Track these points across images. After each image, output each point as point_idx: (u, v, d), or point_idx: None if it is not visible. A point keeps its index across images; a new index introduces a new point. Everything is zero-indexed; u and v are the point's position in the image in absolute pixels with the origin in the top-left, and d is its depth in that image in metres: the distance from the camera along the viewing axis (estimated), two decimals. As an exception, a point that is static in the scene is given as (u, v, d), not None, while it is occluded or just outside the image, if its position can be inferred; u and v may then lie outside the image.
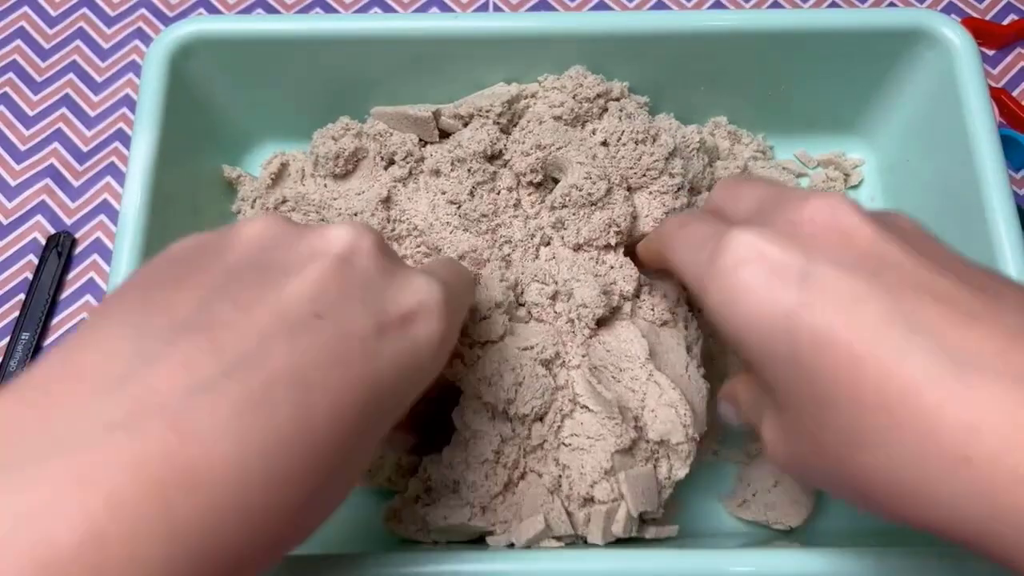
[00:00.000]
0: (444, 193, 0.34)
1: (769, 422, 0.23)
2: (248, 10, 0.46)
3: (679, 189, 0.34)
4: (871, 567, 0.26)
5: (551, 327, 0.31)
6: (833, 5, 0.45)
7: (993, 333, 0.18)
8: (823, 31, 0.35)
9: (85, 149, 0.43)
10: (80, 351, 0.18)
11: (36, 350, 0.39)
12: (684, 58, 0.36)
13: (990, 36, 0.44)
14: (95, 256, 0.41)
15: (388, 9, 0.46)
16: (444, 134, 0.36)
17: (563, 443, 0.30)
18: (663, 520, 0.31)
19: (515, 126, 0.35)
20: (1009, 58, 0.45)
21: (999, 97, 0.43)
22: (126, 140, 0.43)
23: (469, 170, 0.34)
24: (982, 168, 0.32)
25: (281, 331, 0.19)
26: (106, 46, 0.45)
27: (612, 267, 0.32)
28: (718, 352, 0.36)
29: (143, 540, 0.15)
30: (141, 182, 0.32)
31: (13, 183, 0.42)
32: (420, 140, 0.36)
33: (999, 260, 0.31)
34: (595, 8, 0.46)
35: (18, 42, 0.45)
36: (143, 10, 0.46)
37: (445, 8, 0.46)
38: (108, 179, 0.42)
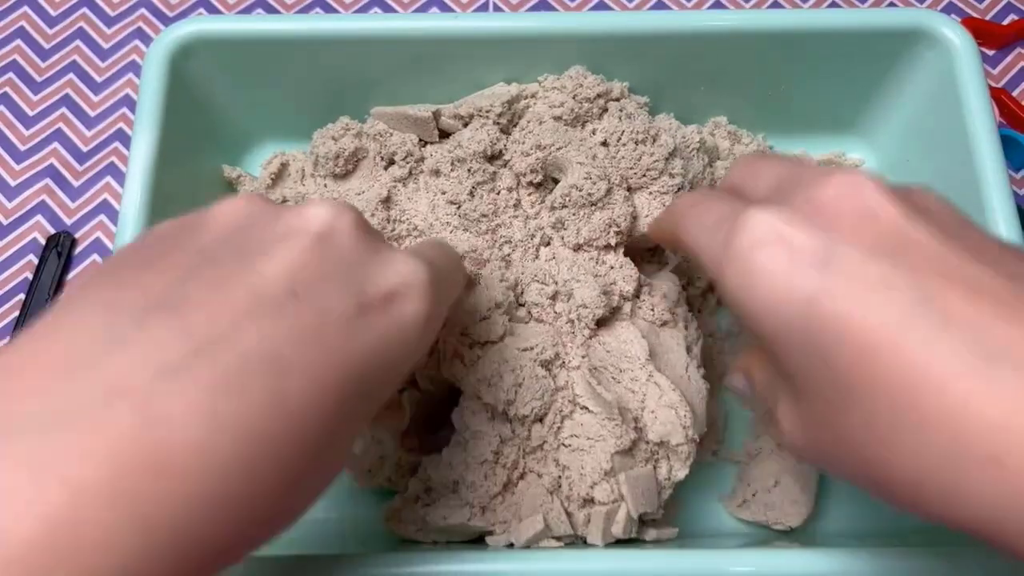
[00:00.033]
0: (444, 193, 0.34)
1: (786, 407, 0.23)
2: (248, 10, 0.46)
3: (679, 189, 0.34)
4: (871, 567, 0.26)
5: (551, 327, 0.31)
6: (833, 5, 0.45)
7: None
8: (823, 31, 0.35)
9: (85, 149, 0.43)
10: (48, 334, 0.17)
11: (36, 350, 0.39)
12: (684, 58, 0.36)
13: (990, 36, 0.44)
14: (95, 256, 0.41)
15: (388, 9, 0.46)
16: (444, 134, 0.36)
17: (563, 444, 0.30)
18: (663, 521, 0.31)
19: (515, 126, 0.35)
20: (1009, 58, 0.45)
21: (999, 97, 0.43)
22: (126, 140, 0.43)
23: (469, 170, 0.34)
24: (982, 168, 0.32)
25: (255, 311, 0.18)
26: (106, 46, 0.45)
27: (612, 267, 0.32)
28: (717, 352, 0.36)
29: (107, 527, 0.15)
30: (141, 182, 0.32)
31: (13, 183, 0.42)
32: (420, 140, 0.36)
33: (999, 260, 0.31)
34: (595, 8, 0.46)
35: (18, 42, 0.45)
36: (143, 10, 0.46)
37: (445, 8, 0.46)
38: (108, 179, 0.42)
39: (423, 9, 0.46)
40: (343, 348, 0.19)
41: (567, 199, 0.32)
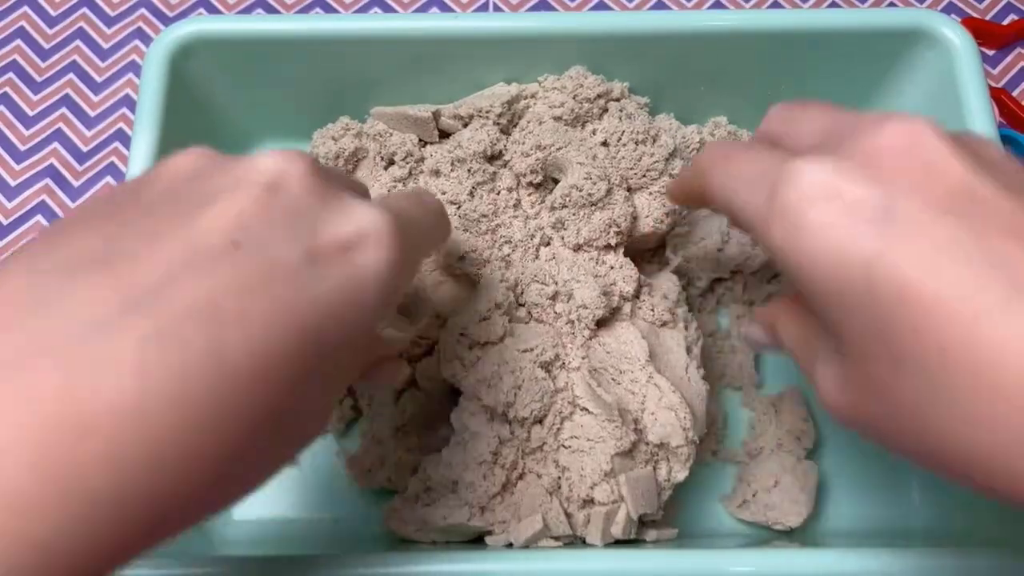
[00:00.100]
0: (444, 193, 0.34)
1: (828, 368, 0.21)
2: (248, 10, 0.46)
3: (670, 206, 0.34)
4: (871, 567, 0.26)
5: (551, 328, 0.31)
6: (833, 5, 0.45)
7: None
8: (823, 31, 0.35)
9: (85, 149, 0.43)
10: None
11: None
12: (684, 58, 0.36)
13: (990, 36, 0.44)
14: (95, 256, 0.41)
15: (388, 9, 0.46)
16: (444, 134, 0.36)
17: (563, 445, 0.30)
18: (663, 522, 0.31)
19: (515, 126, 0.35)
20: (1009, 58, 0.45)
21: (999, 97, 0.43)
22: (126, 140, 0.43)
23: (469, 170, 0.34)
24: (982, 168, 0.32)
25: (192, 263, 0.17)
26: (106, 46, 0.45)
27: (612, 267, 0.32)
28: (717, 352, 0.36)
29: (27, 492, 0.14)
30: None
31: (13, 183, 0.42)
32: (420, 140, 0.36)
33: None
34: (595, 8, 0.46)
35: (18, 42, 0.45)
36: (143, 10, 0.46)
37: (445, 8, 0.46)
38: (108, 179, 0.42)
39: (423, 9, 0.46)
40: (292, 299, 0.18)
41: (567, 199, 0.32)
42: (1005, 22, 0.45)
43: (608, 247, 0.33)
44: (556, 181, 0.34)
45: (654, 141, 0.33)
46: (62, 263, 0.17)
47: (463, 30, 0.35)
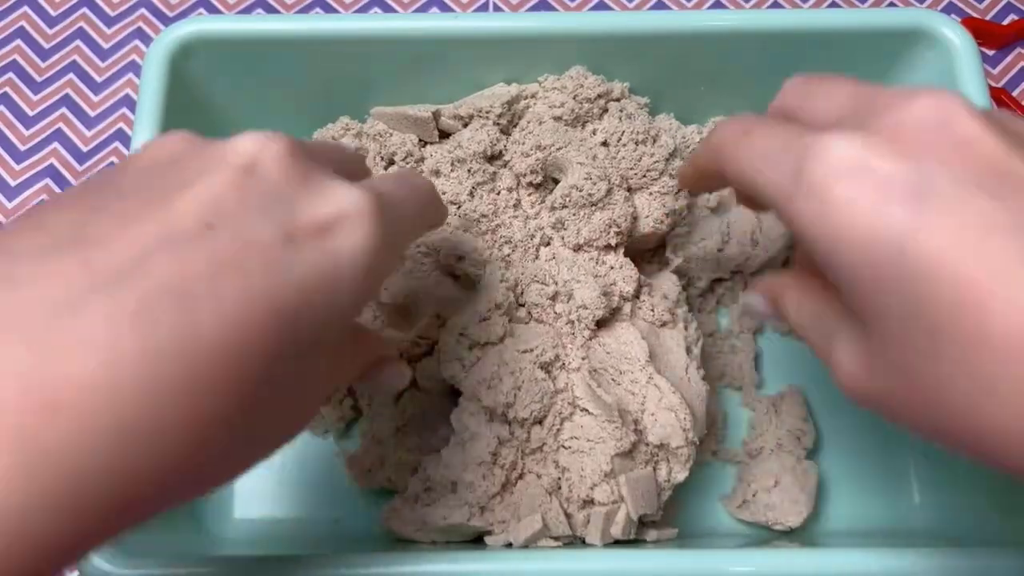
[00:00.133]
0: (444, 193, 0.34)
1: (848, 346, 0.21)
2: (248, 10, 0.46)
3: (679, 190, 0.34)
4: (871, 567, 0.26)
5: (551, 328, 0.31)
6: (833, 5, 0.45)
7: None
8: (823, 31, 0.35)
9: (85, 149, 0.43)
10: None
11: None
12: (684, 58, 0.36)
13: (990, 36, 0.44)
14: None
15: (388, 9, 0.46)
16: (444, 134, 0.36)
17: (563, 446, 0.30)
18: (663, 522, 0.31)
19: (515, 127, 0.35)
20: (1009, 58, 0.45)
21: (999, 97, 0.43)
22: (126, 140, 0.43)
23: (469, 170, 0.34)
24: (982, 168, 0.32)
25: (164, 244, 0.17)
26: (106, 46, 0.45)
27: (612, 268, 0.32)
28: (717, 352, 0.36)
29: None
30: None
31: (13, 183, 0.42)
32: (420, 140, 0.36)
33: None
34: (595, 8, 0.46)
35: (18, 42, 0.45)
36: (143, 10, 0.46)
37: (445, 8, 0.46)
38: (108, 179, 0.42)
39: (423, 9, 0.46)
40: (266, 280, 0.18)
41: (567, 199, 0.32)
42: (1005, 22, 0.45)
43: (608, 247, 0.33)
44: (556, 181, 0.34)
45: (654, 141, 0.33)
46: (34, 245, 0.17)
47: (463, 30, 0.35)
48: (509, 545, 0.29)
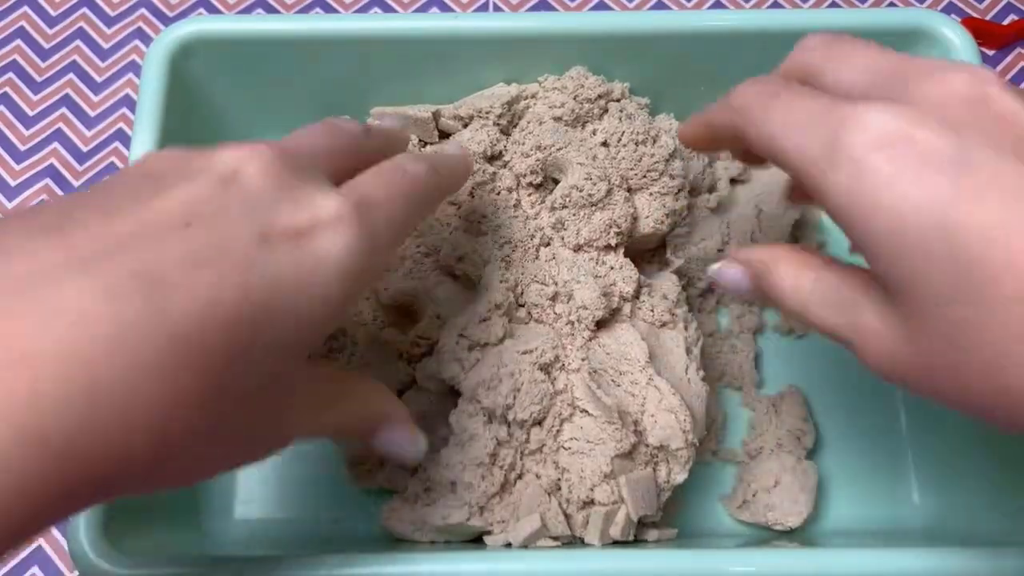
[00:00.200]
0: (444, 193, 0.34)
1: (879, 321, 0.21)
2: (248, 10, 0.46)
3: (679, 191, 0.34)
4: (871, 567, 0.26)
5: (551, 329, 0.31)
6: (833, 5, 0.45)
7: None
8: (823, 31, 0.35)
9: (85, 149, 0.43)
10: None
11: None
12: (684, 58, 0.36)
13: (990, 36, 0.44)
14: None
15: (388, 9, 0.46)
16: (444, 135, 0.36)
17: (562, 447, 0.30)
18: (662, 522, 0.31)
19: (515, 127, 0.35)
20: (1009, 58, 0.45)
21: (999, 97, 0.43)
22: (126, 140, 0.43)
23: (469, 170, 0.34)
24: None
25: (142, 235, 0.18)
26: (106, 46, 0.45)
27: (612, 268, 0.32)
28: (717, 352, 0.36)
29: None
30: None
31: (13, 183, 0.42)
32: (420, 140, 0.36)
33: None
34: (595, 8, 0.46)
35: (18, 42, 0.45)
36: (143, 10, 0.46)
37: (445, 8, 0.46)
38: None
39: (423, 9, 0.46)
40: (240, 273, 0.19)
41: (567, 200, 0.32)
42: (1005, 22, 0.45)
43: (608, 247, 0.33)
44: (556, 181, 0.34)
45: (654, 142, 0.33)
46: (21, 227, 0.18)
47: (463, 30, 0.35)
48: (508, 545, 0.29)
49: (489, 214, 0.33)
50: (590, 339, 0.31)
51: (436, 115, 0.35)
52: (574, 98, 0.34)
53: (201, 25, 0.35)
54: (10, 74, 0.44)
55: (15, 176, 0.42)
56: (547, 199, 0.33)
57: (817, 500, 0.33)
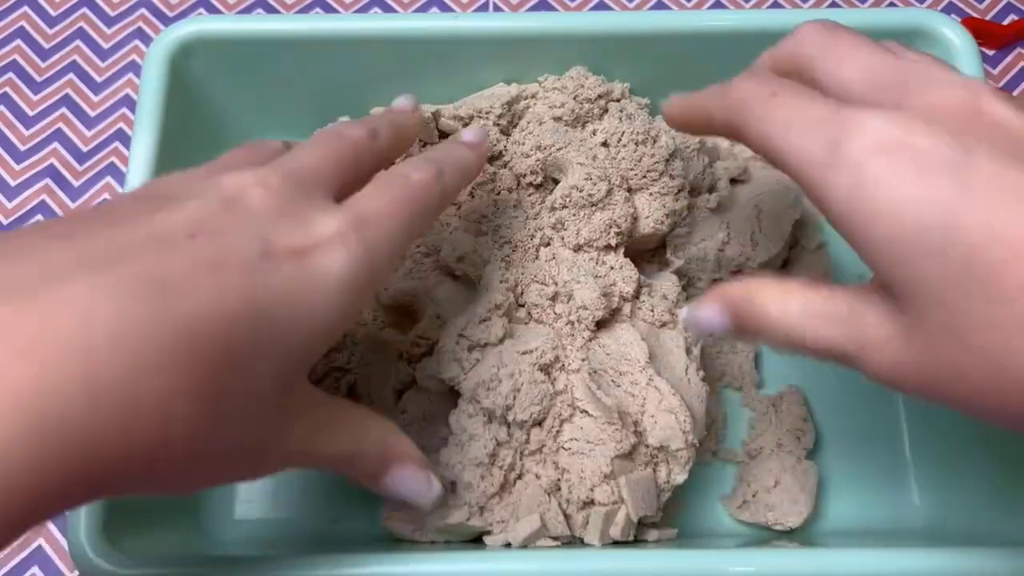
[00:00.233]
0: (444, 193, 0.34)
1: (886, 332, 0.21)
2: (248, 10, 0.46)
3: (679, 191, 0.34)
4: (871, 567, 0.26)
5: (551, 329, 0.31)
6: (833, 5, 0.45)
7: None
8: (818, 21, 0.35)
9: (85, 149, 0.43)
10: None
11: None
12: (684, 58, 0.36)
13: (990, 36, 0.44)
14: (95, 256, 0.41)
15: (388, 9, 0.46)
16: (444, 134, 0.36)
17: (562, 447, 0.30)
18: (662, 522, 0.31)
19: (515, 127, 0.35)
20: (1009, 58, 0.45)
21: (999, 97, 0.43)
22: (126, 140, 0.43)
23: (469, 170, 0.34)
24: (982, 168, 0.32)
25: (148, 244, 0.19)
26: (106, 46, 0.45)
27: (612, 268, 0.32)
28: (717, 353, 0.36)
29: None
30: (141, 182, 0.32)
31: (13, 183, 0.42)
32: (420, 140, 0.36)
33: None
34: (595, 8, 0.46)
35: (18, 42, 0.45)
36: (143, 10, 0.46)
37: (445, 8, 0.46)
38: (108, 179, 0.42)
39: (423, 9, 0.46)
40: (242, 282, 0.19)
41: (567, 200, 0.32)
42: (1005, 22, 0.45)
43: (608, 248, 0.33)
44: (556, 181, 0.34)
45: (654, 142, 0.33)
46: (31, 235, 0.19)
47: (463, 30, 0.35)
48: (508, 545, 0.29)
49: (489, 214, 0.33)
50: (590, 339, 0.31)
51: (436, 115, 0.35)
52: (574, 98, 0.34)
53: (201, 25, 0.35)
54: (10, 74, 0.44)
55: (15, 176, 0.42)
56: (547, 199, 0.33)
57: (817, 500, 0.33)
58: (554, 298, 0.32)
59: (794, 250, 0.38)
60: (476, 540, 0.30)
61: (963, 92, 0.20)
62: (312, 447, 0.24)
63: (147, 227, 0.19)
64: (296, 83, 0.37)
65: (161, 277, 0.18)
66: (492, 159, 0.34)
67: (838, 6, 0.45)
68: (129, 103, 0.44)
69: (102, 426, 0.17)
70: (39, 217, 0.41)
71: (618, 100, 0.35)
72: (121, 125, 0.43)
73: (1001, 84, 0.44)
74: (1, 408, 0.16)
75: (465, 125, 0.35)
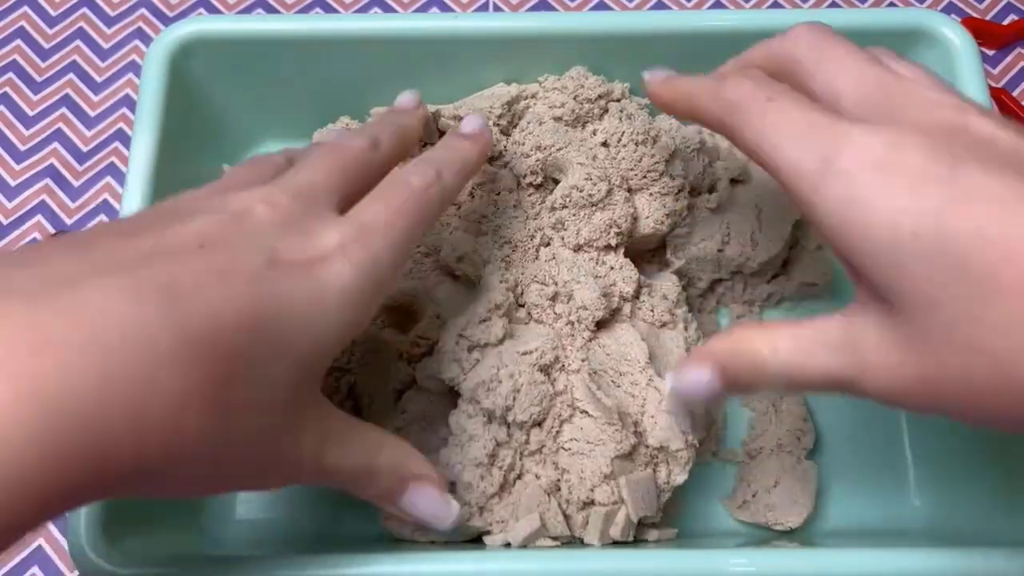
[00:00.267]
0: (444, 193, 0.34)
1: (885, 348, 0.21)
2: (248, 10, 0.46)
3: (679, 191, 0.34)
4: (871, 567, 0.26)
5: (551, 329, 0.31)
6: (833, 5, 0.45)
7: None
8: (810, 23, 0.35)
9: (85, 149, 0.43)
10: None
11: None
12: (684, 58, 0.36)
13: (990, 36, 0.44)
14: (95, 256, 0.41)
15: (388, 9, 0.46)
16: (444, 134, 0.36)
17: (562, 448, 0.30)
18: (662, 522, 0.31)
19: (515, 127, 0.35)
20: (1009, 58, 0.45)
21: (999, 97, 0.43)
22: (126, 140, 0.43)
23: (469, 170, 0.34)
24: (982, 168, 0.32)
25: (160, 253, 0.20)
26: (106, 46, 0.45)
27: (612, 268, 0.32)
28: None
29: None
30: (141, 182, 0.32)
31: (13, 183, 0.42)
32: (420, 140, 0.36)
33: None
34: (595, 8, 0.46)
35: (18, 42, 0.45)
36: (143, 10, 0.46)
37: (445, 8, 0.46)
38: (108, 179, 0.42)
39: (423, 9, 0.46)
40: (250, 289, 0.20)
41: (567, 200, 0.32)
42: (1005, 22, 0.45)
43: (608, 248, 0.33)
44: (556, 181, 0.34)
45: (654, 142, 0.33)
46: (55, 244, 0.20)
47: (463, 30, 0.35)
48: (508, 545, 0.29)
49: (489, 214, 0.33)
50: (590, 340, 0.31)
51: (436, 115, 0.35)
52: (574, 98, 0.34)
53: (201, 25, 0.35)
54: (10, 74, 0.44)
55: (15, 176, 0.42)
56: (547, 199, 0.33)
57: (817, 500, 0.33)
58: (554, 298, 0.32)
59: (794, 250, 0.38)
60: (476, 540, 0.30)
61: (951, 111, 0.21)
62: (323, 459, 0.24)
63: (158, 239, 0.20)
64: (296, 83, 0.37)
65: (171, 283, 0.19)
66: (492, 159, 0.34)
67: (838, 6, 0.45)
68: (129, 103, 0.44)
69: (116, 422, 0.17)
70: (39, 218, 0.41)
71: (618, 100, 0.35)
72: (121, 125, 0.43)
73: (1001, 84, 0.44)
74: (18, 401, 0.16)
75: (465, 125, 0.35)
